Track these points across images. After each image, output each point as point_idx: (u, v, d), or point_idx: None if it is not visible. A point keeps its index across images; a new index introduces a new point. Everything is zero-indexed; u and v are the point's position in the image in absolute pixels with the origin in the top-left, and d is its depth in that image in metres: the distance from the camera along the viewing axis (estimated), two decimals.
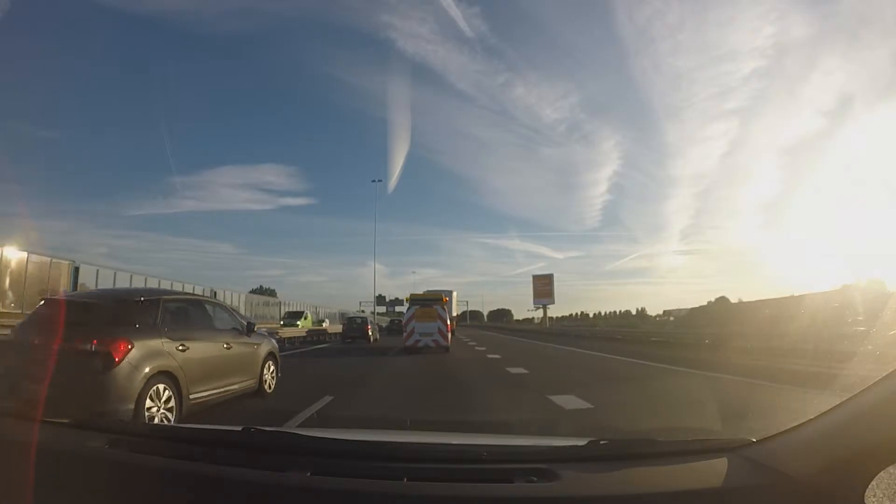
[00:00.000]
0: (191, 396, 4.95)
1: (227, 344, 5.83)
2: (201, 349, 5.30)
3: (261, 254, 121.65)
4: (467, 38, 77.12)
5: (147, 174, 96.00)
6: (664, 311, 65.50)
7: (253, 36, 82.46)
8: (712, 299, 44.02)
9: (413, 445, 1.62)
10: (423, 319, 16.47)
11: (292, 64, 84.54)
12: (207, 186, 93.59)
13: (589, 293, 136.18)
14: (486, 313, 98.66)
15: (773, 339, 12.61)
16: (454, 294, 40.33)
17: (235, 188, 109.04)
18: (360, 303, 61.96)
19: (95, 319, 4.52)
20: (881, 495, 0.94)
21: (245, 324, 6.67)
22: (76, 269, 16.62)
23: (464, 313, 78.00)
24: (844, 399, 1.09)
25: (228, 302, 19.55)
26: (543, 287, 66.75)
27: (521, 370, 10.14)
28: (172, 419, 4.59)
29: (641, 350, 16.02)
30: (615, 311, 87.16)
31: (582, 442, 1.44)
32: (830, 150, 55.17)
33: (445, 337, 16.39)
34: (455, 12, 69.04)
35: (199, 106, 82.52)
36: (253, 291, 39.45)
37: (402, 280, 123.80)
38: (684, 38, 71.14)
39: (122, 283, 18.01)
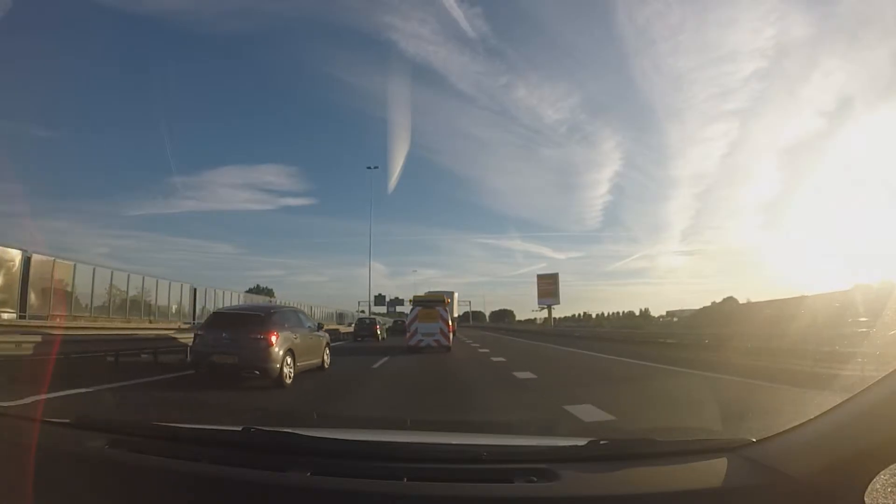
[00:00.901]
0: (297, 364, 8.34)
1: (310, 336, 9.49)
2: (301, 338, 8.84)
3: (261, 254, 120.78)
4: (469, 39, 76.32)
5: (147, 174, 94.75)
6: (667, 312, 65.16)
7: (253, 36, 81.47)
8: (716, 300, 43.33)
9: (413, 445, 1.62)
10: (426, 320, 16.79)
11: (292, 64, 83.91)
12: (207, 186, 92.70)
13: (590, 294, 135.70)
14: (487, 314, 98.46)
15: (782, 339, 12.35)
16: (455, 295, 40.58)
17: (235, 188, 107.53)
18: (359, 303, 61.57)
19: (254, 321, 8.03)
20: (881, 495, 0.94)
21: (316, 323, 11.06)
22: (27, 259, 16.61)
23: (465, 314, 77.60)
24: (844, 399, 1.09)
25: (227, 300, 25.51)
26: (548, 287, 65.36)
27: (601, 413, 5.19)
28: (293, 375, 8.08)
29: (689, 356, 12.41)
30: (618, 312, 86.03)
31: (582, 442, 1.43)
32: (830, 151, 54.75)
33: (447, 337, 16.75)
34: (457, 13, 68.52)
35: (199, 106, 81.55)
36: (250, 291, 39.55)
37: (403, 280, 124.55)
38: (685, 39, 70.51)
39: (84, 274, 18.26)
